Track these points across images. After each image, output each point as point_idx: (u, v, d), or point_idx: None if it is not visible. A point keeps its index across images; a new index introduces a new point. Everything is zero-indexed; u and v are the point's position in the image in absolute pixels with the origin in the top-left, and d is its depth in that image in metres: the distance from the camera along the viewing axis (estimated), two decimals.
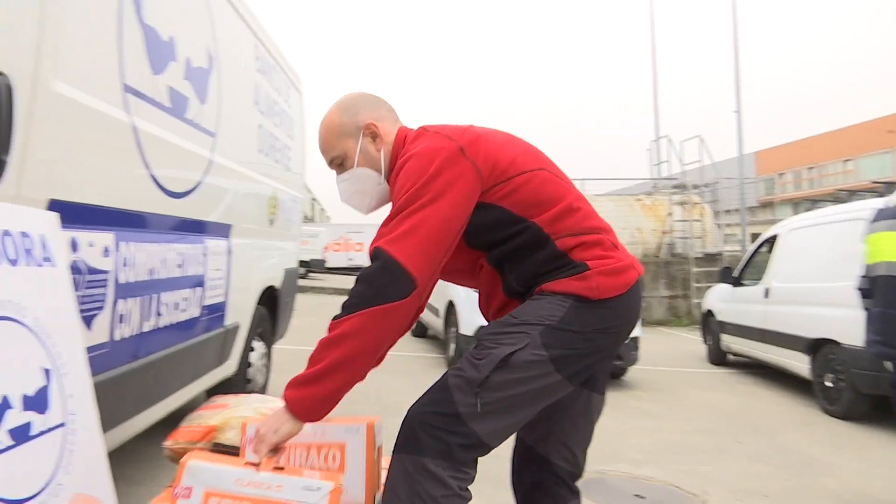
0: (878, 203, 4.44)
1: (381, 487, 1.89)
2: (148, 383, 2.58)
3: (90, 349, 1.99)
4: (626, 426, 5.02)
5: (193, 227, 3.03)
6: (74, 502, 1.60)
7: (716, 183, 14.35)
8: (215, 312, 3.36)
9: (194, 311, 3.04)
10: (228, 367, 3.80)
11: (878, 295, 3.49)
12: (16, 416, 1.46)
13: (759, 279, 7.26)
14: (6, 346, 1.49)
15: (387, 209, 1.80)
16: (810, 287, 6.17)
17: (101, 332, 2.16)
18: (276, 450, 1.66)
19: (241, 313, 3.85)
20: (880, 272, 3.51)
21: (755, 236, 10.72)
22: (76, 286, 1.94)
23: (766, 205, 37.67)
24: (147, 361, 2.52)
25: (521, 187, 1.71)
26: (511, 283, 1.75)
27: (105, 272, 2.17)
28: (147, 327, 2.52)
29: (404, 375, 6.52)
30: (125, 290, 2.31)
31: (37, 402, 1.54)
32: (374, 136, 1.86)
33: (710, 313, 8.52)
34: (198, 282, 3.05)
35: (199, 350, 3.14)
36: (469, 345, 6.46)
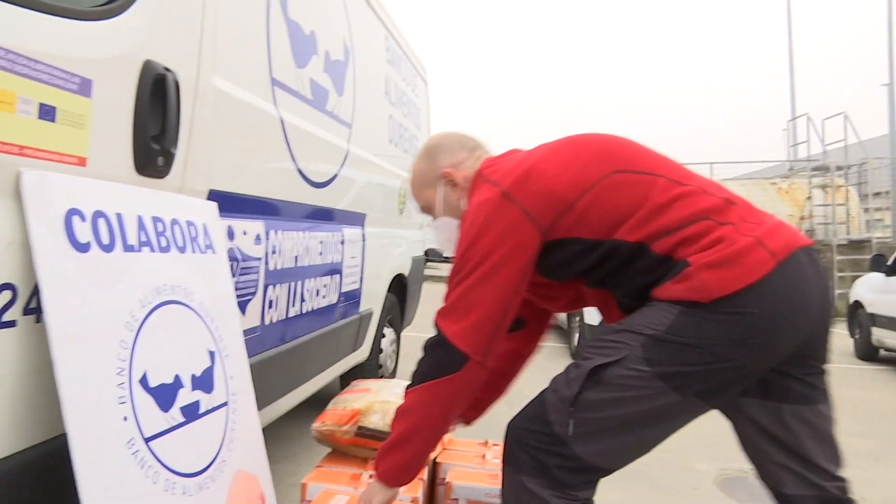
0: None
1: None
2: (293, 366, 2.69)
3: (245, 333, 2.09)
4: None
5: (332, 216, 3.12)
6: (236, 479, 1.68)
7: (863, 163, 13.21)
8: (351, 299, 3.45)
9: (333, 298, 3.13)
10: (362, 353, 3.91)
11: None
12: (186, 395, 1.54)
13: None
14: (178, 329, 1.58)
15: None
16: None
17: (253, 316, 2.27)
18: None
19: (373, 300, 3.94)
20: None
21: None
22: (232, 272, 2.04)
23: None
24: (293, 345, 2.62)
25: (590, 209, 1.48)
26: (622, 299, 1.57)
27: (257, 259, 2.27)
28: (292, 313, 2.62)
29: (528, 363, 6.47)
30: (274, 277, 2.41)
31: (204, 381, 1.63)
32: (453, 184, 1.77)
33: (858, 305, 7.87)
34: (336, 269, 3.15)
35: (337, 335, 3.24)
36: (593, 334, 6.34)
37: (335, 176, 3.10)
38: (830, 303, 1.52)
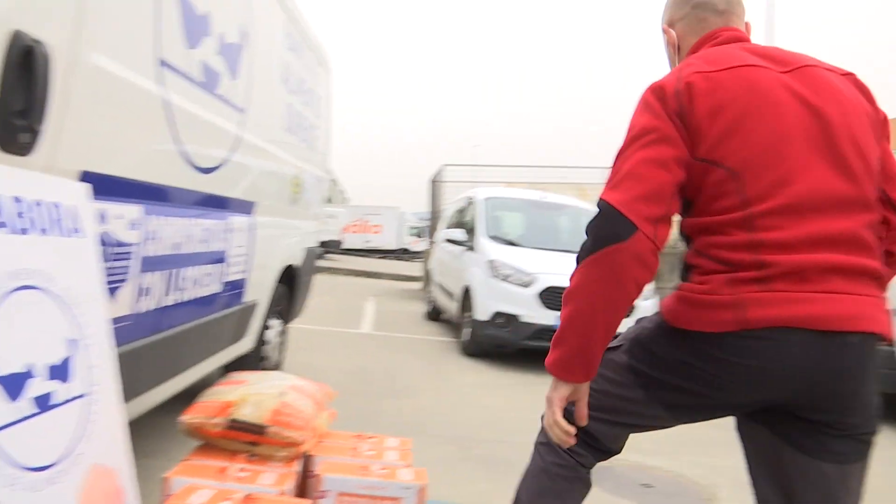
0: None
1: None
2: (166, 357, 2.61)
3: (113, 321, 2.01)
4: None
5: (218, 204, 3.04)
6: (93, 472, 1.63)
7: None
8: (235, 289, 3.38)
9: (214, 287, 3.06)
10: (245, 344, 3.83)
11: None
12: (39, 385, 1.48)
13: None
14: (33, 315, 1.51)
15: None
16: None
17: (124, 304, 2.19)
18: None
19: (260, 291, 3.88)
20: None
21: None
22: (103, 258, 1.96)
23: None
24: (166, 335, 2.55)
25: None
26: None
27: (132, 245, 2.19)
28: (168, 301, 2.54)
29: (417, 358, 6.55)
30: (149, 264, 2.33)
31: (60, 371, 1.56)
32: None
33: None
34: (220, 258, 3.07)
35: (216, 326, 3.17)
36: (483, 330, 6.50)
37: (224, 162, 3.03)
38: (859, 374, 1.38)
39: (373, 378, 5.50)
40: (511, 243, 7.22)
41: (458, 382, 5.64)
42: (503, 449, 3.95)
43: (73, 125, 1.81)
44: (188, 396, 2.70)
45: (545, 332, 6.31)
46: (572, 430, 1.53)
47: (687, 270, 1.52)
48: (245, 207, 3.44)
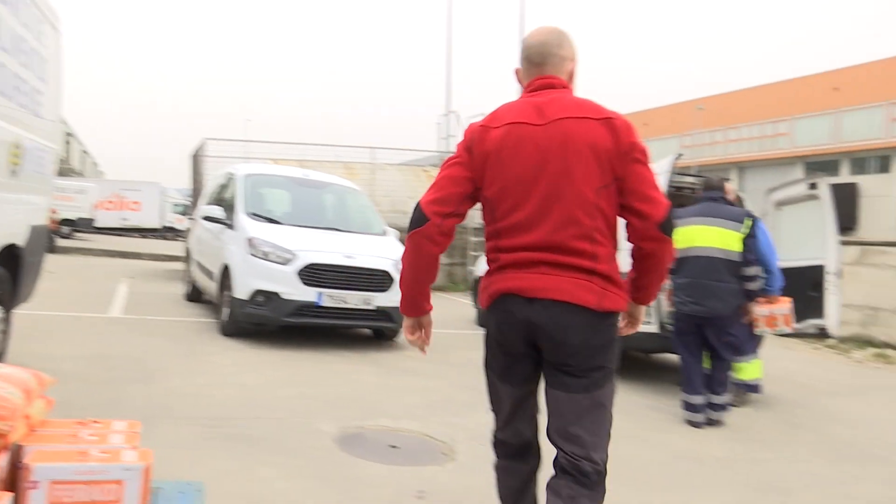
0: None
1: None
2: None
3: None
4: (391, 385, 5.30)
5: None
6: None
7: None
8: None
9: None
10: None
11: (688, 270, 4.70)
12: None
13: None
14: None
15: None
16: None
17: None
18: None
19: None
20: (692, 254, 4.69)
21: None
22: None
23: None
24: None
25: None
26: None
27: None
28: None
29: (172, 340, 6.26)
30: None
31: None
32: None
33: (480, 279, 9.16)
34: None
35: None
36: (242, 309, 6.37)
37: None
38: (553, 328, 2.03)
39: (117, 364, 5.16)
40: (272, 221, 7.13)
41: (215, 363, 5.50)
42: (257, 426, 3.97)
43: None
44: None
45: (306, 308, 6.37)
46: (419, 341, 2.36)
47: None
48: None
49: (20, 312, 4.87)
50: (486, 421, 4.42)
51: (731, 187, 5.20)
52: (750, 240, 4.70)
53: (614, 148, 2.01)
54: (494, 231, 2.12)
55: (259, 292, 6.32)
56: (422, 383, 5.42)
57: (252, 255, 6.47)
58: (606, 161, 2.00)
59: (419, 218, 2.08)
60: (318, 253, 6.48)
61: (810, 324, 5.65)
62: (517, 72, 2.24)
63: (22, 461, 2.05)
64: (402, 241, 7.76)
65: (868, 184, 26.84)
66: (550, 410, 2.11)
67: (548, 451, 2.21)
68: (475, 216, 13.15)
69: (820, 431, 4.81)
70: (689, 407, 4.72)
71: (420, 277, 2.20)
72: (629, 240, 2.14)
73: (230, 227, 7.10)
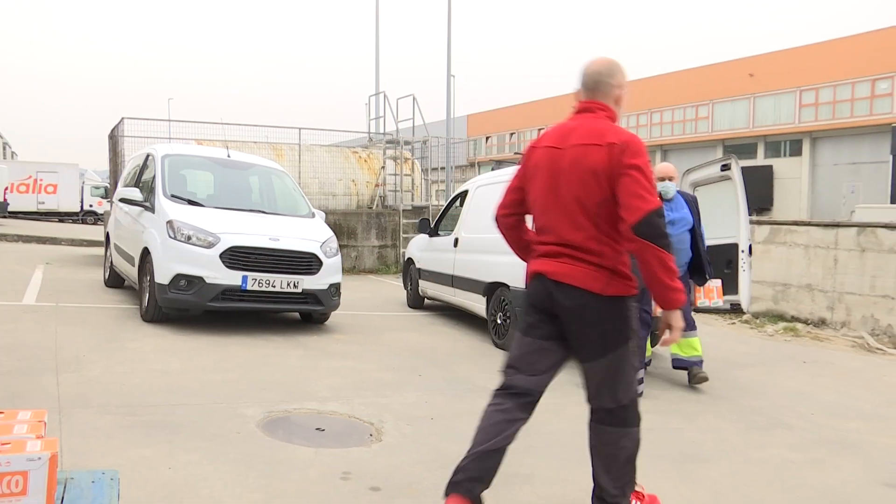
0: None
1: None
2: None
3: None
4: (320, 367, 5.27)
5: None
6: None
7: (426, 140, 15.28)
8: None
9: None
10: None
11: None
12: None
13: (452, 230, 8.01)
14: None
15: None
16: (488, 237, 6.99)
17: None
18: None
19: None
20: None
21: None
22: None
23: (475, 164, 41.08)
24: None
25: None
26: None
27: None
28: None
29: (89, 328, 6.03)
30: None
31: None
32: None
33: (410, 261, 9.18)
34: None
35: None
36: (164, 294, 6.18)
37: None
38: (569, 304, 2.54)
39: (29, 353, 4.94)
40: (194, 203, 6.92)
41: (135, 350, 5.33)
42: (179, 412, 3.89)
43: None
44: None
45: (231, 292, 6.23)
46: None
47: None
48: None
49: None
50: (413, 401, 4.50)
51: (668, 169, 5.33)
52: None
53: (609, 169, 2.45)
54: (535, 228, 2.72)
55: (181, 276, 6.14)
56: (350, 365, 5.41)
57: (173, 238, 6.28)
58: (604, 180, 2.46)
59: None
60: (241, 235, 6.35)
61: (726, 300, 5.91)
62: (576, 94, 2.71)
63: None
64: (328, 223, 7.69)
65: (781, 166, 28.18)
66: (582, 380, 2.70)
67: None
68: (405, 198, 13.13)
69: (733, 402, 5.06)
70: None
71: (517, 252, 2.90)
72: None
73: (150, 209, 6.87)
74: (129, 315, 6.86)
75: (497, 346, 6.52)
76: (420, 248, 8.89)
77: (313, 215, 7.52)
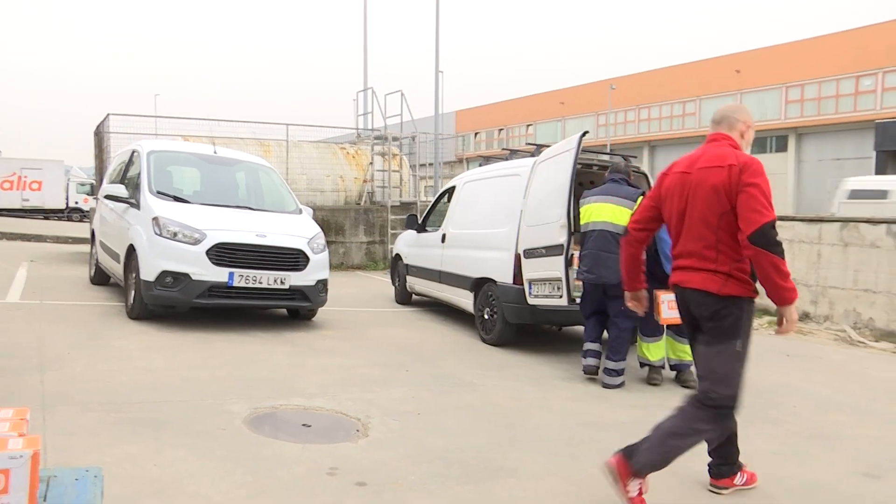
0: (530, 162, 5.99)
1: None
2: None
3: None
4: (307, 364, 5.26)
5: None
6: None
7: (414, 136, 15.27)
8: None
9: None
10: None
11: (588, 243, 5.25)
12: None
13: (439, 226, 8.02)
14: None
15: None
16: (476, 233, 7.00)
17: None
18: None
19: None
20: (591, 228, 5.24)
21: None
22: None
23: (464, 160, 41.10)
24: None
25: None
26: None
27: None
28: None
29: (74, 326, 5.99)
30: None
31: None
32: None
33: (398, 257, 9.17)
34: None
35: None
36: (150, 291, 6.15)
37: None
38: (694, 304, 3.03)
39: (12, 352, 4.90)
40: (180, 199, 6.88)
41: (120, 348, 5.30)
42: (164, 409, 3.88)
43: None
44: None
45: (218, 289, 6.21)
46: (635, 307, 3.43)
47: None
48: None
49: None
50: (400, 396, 4.51)
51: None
52: None
53: (728, 186, 2.86)
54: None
55: (167, 273, 6.11)
56: (337, 362, 5.41)
57: (158, 234, 6.24)
58: (724, 196, 2.87)
59: (625, 230, 3.40)
60: (228, 232, 6.32)
61: None
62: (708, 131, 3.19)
63: None
64: (316, 219, 7.67)
65: (767, 162, 28.33)
66: (698, 362, 3.11)
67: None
68: (393, 194, 13.09)
69: None
70: (583, 353, 5.33)
71: (628, 266, 3.34)
72: None
73: (135, 206, 6.82)
74: (115, 312, 6.82)
75: (484, 341, 6.54)
76: (408, 244, 8.89)
77: (301, 212, 7.50)
